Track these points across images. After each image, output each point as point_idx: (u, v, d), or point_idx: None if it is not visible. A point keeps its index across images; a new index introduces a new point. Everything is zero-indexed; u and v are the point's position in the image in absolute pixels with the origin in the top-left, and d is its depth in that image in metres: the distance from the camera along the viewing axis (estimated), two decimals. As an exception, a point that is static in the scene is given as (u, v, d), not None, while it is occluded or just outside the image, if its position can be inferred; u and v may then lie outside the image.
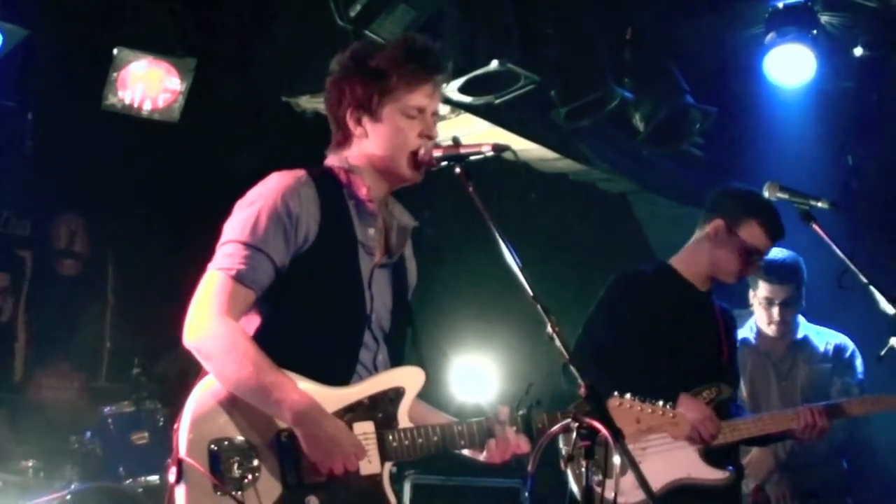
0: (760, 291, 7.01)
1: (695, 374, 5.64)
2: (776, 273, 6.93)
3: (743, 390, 6.99)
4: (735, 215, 5.77)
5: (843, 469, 7.15)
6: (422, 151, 4.10)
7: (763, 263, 6.89)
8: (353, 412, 3.97)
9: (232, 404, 3.86)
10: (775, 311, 6.99)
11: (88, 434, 7.25)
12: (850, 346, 7.06)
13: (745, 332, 7.18)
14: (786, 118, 9.05)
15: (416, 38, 4.26)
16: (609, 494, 3.83)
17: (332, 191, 4.11)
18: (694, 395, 5.54)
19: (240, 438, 3.85)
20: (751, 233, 5.75)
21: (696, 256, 5.88)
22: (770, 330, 7.06)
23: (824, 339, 7.11)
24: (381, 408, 4.02)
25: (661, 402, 4.22)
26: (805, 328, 7.13)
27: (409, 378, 4.11)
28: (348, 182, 4.14)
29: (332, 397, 3.95)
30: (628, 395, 4.18)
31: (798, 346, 7.09)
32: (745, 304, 7.25)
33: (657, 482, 5.40)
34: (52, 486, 6.88)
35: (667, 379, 5.38)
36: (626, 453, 3.48)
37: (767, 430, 5.93)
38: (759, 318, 7.10)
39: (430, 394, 4.24)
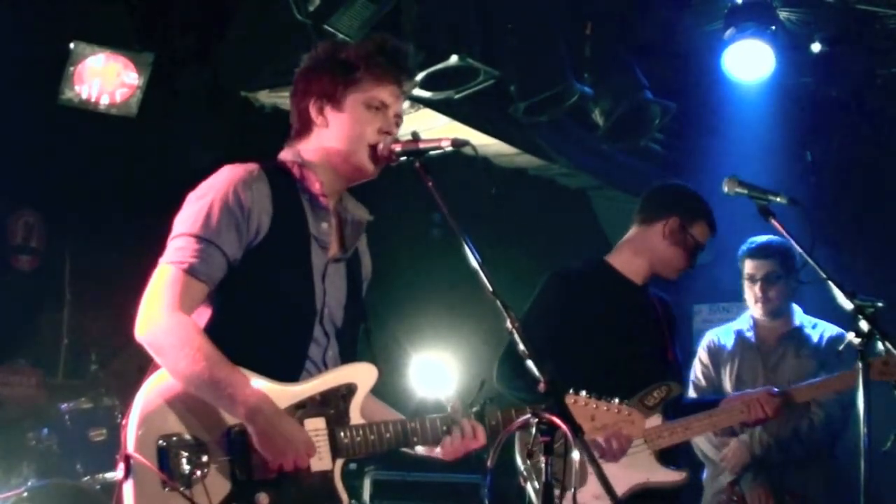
0: (745, 269, 6.99)
1: (641, 374, 5.61)
2: (758, 249, 6.95)
3: (727, 383, 6.94)
4: (690, 214, 5.84)
5: (826, 471, 6.97)
6: (381, 146, 4.08)
7: (748, 243, 6.94)
8: (304, 409, 3.95)
9: (181, 400, 3.82)
10: (758, 287, 6.92)
11: (45, 431, 7.20)
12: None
13: (740, 323, 7.14)
14: (745, 113, 9.11)
15: (389, 37, 4.26)
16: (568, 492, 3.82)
17: (285, 185, 4.08)
18: (644, 396, 5.54)
19: (189, 434, 3.81)
20: (701, 231, 5.85)
21: (638, 253, 5.89)
22: (757, 310, 6.97)
23: (820, 330, 6.99)
24: (333, 404, 4.00)
25: (616, 400, 4.21)
26: (801, 318, 7.05)
27: (361, 374, 4.09)
28: (301, 176, 4.12)
29: (283, 394, 3.92)
30: (583, 393, 4.16)
31: (790, 336, 6.95)
32: (738, 298, 7.24)
33: (617, 490, 5.37)
34: (8, 483, 6.84)
35: (613, 379, 5.28)
36: (585, 449, 3.47)
37: (720, 425, 5.95)
38: (749, 303, 7.03)
39: (391, 390, 4.23)
